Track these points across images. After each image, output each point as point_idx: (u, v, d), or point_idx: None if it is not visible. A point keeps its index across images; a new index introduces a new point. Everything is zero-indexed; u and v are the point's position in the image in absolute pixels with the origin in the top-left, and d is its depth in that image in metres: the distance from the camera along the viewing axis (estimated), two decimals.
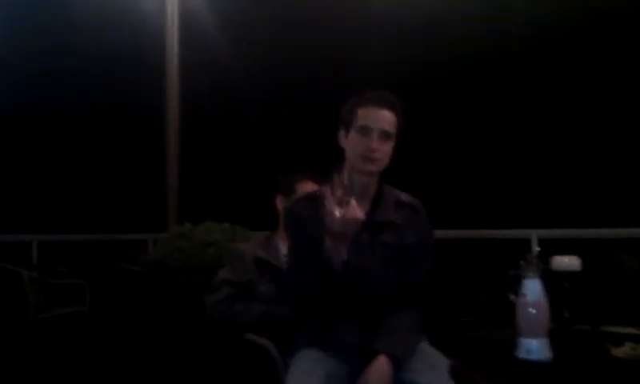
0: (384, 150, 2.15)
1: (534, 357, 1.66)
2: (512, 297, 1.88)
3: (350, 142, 2.18)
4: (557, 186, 7.54)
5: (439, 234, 2.40)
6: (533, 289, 1.72)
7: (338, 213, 1.93)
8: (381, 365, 1.98)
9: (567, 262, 2.08)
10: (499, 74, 7.65)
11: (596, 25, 7.26)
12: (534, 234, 4.95)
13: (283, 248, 2.73)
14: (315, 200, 2.18)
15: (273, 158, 7.85)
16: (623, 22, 7.06)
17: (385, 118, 2.15)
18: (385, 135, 2.14)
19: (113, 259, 5.88)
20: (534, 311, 1.70)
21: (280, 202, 2.86)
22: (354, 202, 1.96)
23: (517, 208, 7.16)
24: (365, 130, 2.14)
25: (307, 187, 2.71)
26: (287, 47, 8.12)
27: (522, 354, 1.68)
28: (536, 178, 7.68)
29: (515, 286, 1.79)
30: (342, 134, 2.24)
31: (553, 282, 1.93)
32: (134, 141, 8.73)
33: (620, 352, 1.71)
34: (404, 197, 2.28)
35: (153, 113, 6.67)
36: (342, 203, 1.94)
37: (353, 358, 2.08)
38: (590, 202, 7.10)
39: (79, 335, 5.51)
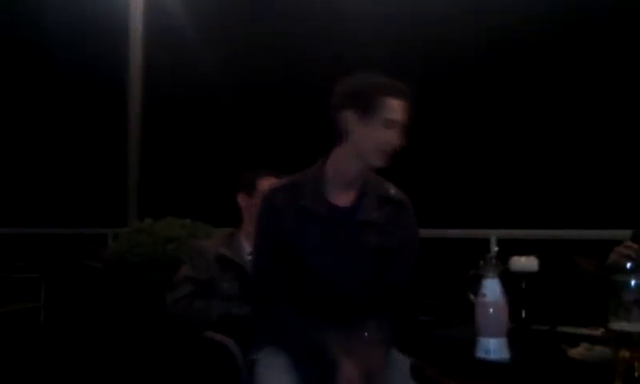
0: None
1: (492, 356, 1.67)
2: (471, 296, 1.89)
3: (369, 130, 2.04)
4: (516, 187, 7.64)
5: None
6: (492, 289, 1.73)
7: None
8: (350, 370, 1.93)
9: (524, 263, 2.10)
10: (464, 76, 7.71)
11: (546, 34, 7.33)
12: (493, 235, 5.01)
13: (247, 246, 2.71)
14: (296, 187, 2.13)
15: (236, 153, 7.79)
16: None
17: (406, 112, 2.08)
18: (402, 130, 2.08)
19: (71, 254, 5.78)
20: (492, 311, 1.71)
21: (242, 199, 2.83)
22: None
23: (476, 208, 7.24)
24: (392, 124, 2.04)
25: (270, 183, 2.68)
26: (256, 34, 7.95)
27: (480, 353, 1.69)
28: (495, 178, 7.77)
29: (475, 285, 1.81)
30: (350, 115, 2.06)
31: (511, 282, 1.95)
32: (94, 133, 8.57)
33: (575, 353, 1.74)
34: (392, 192, 2.20)
35: (114, 104, 6.56)
36: None
37: (323, 361, 1.99)
38: (548, 203, 7.21)
39: (35, 331, 5.40)
